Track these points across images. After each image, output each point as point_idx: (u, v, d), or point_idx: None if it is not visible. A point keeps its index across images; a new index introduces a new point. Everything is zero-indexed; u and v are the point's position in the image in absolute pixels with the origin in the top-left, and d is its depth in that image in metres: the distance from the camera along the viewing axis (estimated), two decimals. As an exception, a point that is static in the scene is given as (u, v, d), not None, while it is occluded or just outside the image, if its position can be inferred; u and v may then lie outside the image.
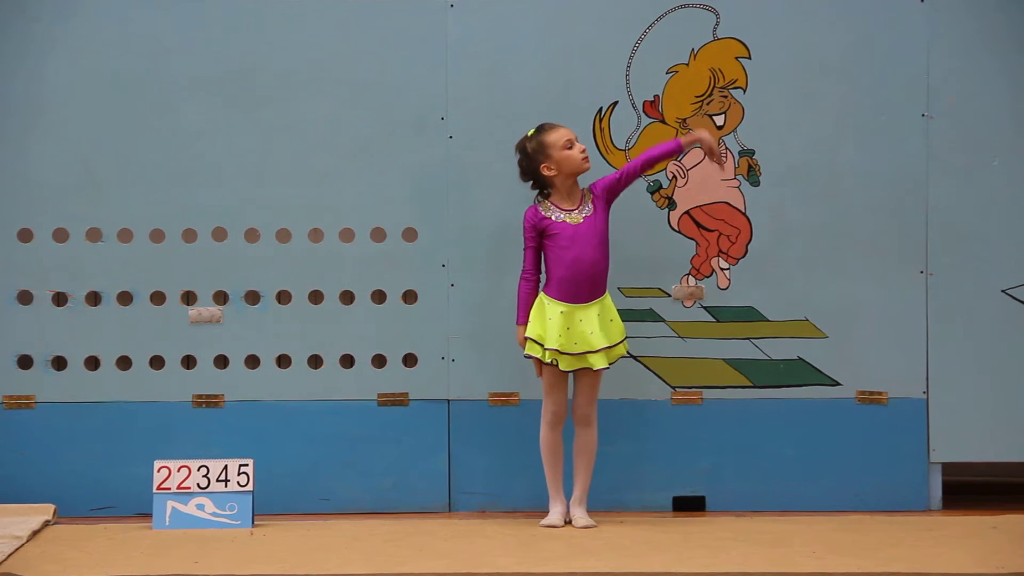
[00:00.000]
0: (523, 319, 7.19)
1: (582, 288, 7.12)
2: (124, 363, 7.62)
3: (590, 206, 7.18)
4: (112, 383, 7.59)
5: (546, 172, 7.17)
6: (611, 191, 7.22)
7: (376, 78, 7.62)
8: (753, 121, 7.66)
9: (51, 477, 7.54)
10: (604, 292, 7.17)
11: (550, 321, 7.12)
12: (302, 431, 7.61)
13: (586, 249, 7.12)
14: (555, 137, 7.15)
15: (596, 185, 7.22)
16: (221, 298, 7.65)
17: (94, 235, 7.61)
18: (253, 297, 7.65)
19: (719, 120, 7.66)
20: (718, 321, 7.67)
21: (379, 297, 7.67)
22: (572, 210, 7.17)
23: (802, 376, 7.66)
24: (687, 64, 7.67)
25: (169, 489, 7.19)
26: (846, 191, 7.66)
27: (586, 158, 7.15)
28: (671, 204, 7.66)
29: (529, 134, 7.20)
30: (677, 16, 7.65)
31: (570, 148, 7.16)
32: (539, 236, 7.17)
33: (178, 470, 7.21)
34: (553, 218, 7.15)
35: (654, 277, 7.66)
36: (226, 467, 7.22)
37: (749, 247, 7.67)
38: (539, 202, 7.20)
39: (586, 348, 7.11)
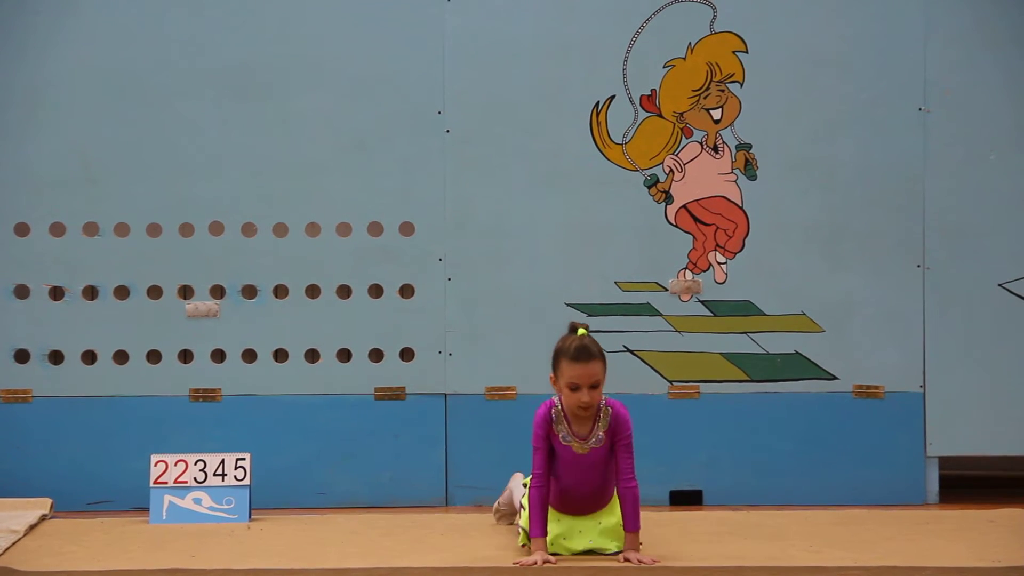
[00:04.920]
0: (539, 530, 6.21)
1: (581, 507, 6.39)
2: (121, 357, 7.61)
3: (601, 436, 6.28)
4: (109, 377, 7.59)
5: (552, 383, 6.31)
6: (612, 442, 6.31)
7: (374, 72, 7.62)
8: (750, 115, 7.66)
9: (48, 471, 7.53)
10: (609, 501, 6.40)
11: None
12: (299, 425, 7.61)
13: (585, 479, 6.31)
14: (568, 371, 6.19)
15: (614, 427, 6.28)
16: (218, 292, 7.64)
17: (91, 229, 7.60)
18: (250, 291, 7.64)
19: (716, 114, 7.66)
20: (715, 315, 7.67)
21: (376, 291, 7.66)
22: (580, 437, 6.27)
23: (799, 370, 7.66)
24: (684, 58, 7.66)
25: (166, 483, 7.18)
26: (843, 185, 7.66)
27: (586, 406, 6.17)
28: (668, 198, 7.66)
29: (580, 331, 6.23)
30: (674, 10, 7.65)
31: (574, 390, 6.18)
32: (548, 439, 6.28)
33: (175, 464, 7.21)
34: (560, 437, 6.26)
35: (651, 271, 7.66)
36: (223, 461, 7.21)
37: (746, 241, 7.67)
38: (554, 406, 6.26)
39: (585, 549, 6.41)
